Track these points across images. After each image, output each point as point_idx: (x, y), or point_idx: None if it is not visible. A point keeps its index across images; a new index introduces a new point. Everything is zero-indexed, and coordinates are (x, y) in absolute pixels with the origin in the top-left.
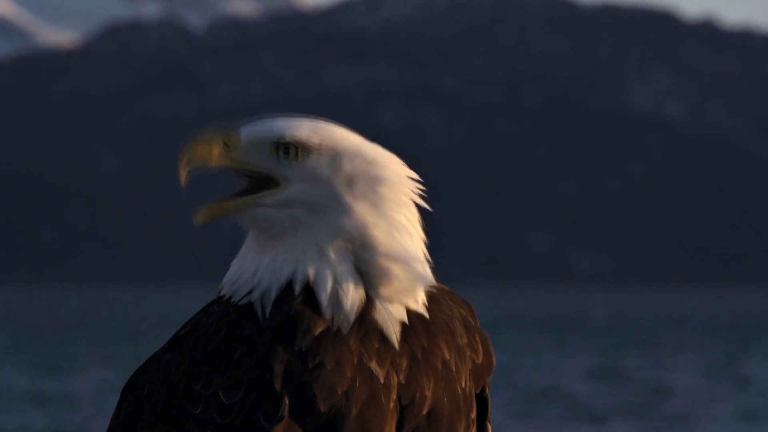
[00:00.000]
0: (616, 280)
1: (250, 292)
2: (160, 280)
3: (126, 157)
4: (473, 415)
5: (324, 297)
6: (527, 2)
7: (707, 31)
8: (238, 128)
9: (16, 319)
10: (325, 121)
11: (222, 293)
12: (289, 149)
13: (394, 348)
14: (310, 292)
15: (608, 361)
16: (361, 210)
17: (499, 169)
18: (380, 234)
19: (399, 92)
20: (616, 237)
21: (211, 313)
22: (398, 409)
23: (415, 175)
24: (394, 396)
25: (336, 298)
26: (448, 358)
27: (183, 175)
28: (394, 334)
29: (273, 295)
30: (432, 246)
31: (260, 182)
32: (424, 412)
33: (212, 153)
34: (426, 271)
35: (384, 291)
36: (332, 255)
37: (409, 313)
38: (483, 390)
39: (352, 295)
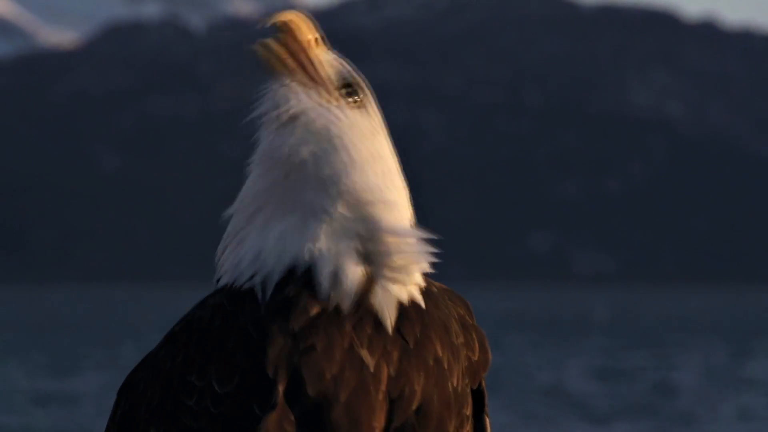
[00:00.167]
0: (616, 281)
1: (252, 277)
2: (161, 280)
3: (127, 156)
4: (468, 411)
5: (326, 279)
6: (528, 2)
7: (708, 32)
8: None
9: (17, 319)
10: None
11: (222, 280)
12: (352, 92)
13: (386, 336)
14: (311, 273)
15: (612, 361)
16: (376, 181)
17: (499, 169)
18: (387, 209)
19: (399, 92)
20: (617, 237)
21: (205, 306)
22: (387, 402)
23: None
24: (383, 388)
25: (338, 280)
26: (440, 354)
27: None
28: (389, 319)
29: (276, 278)
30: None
31: None
32: (414, 407)
33: (309, 33)
34: (428, 248)
35: (388, 270)
36: (337, 232)
37: (406, 302)
38: (479, 385)
39: (355, 276)
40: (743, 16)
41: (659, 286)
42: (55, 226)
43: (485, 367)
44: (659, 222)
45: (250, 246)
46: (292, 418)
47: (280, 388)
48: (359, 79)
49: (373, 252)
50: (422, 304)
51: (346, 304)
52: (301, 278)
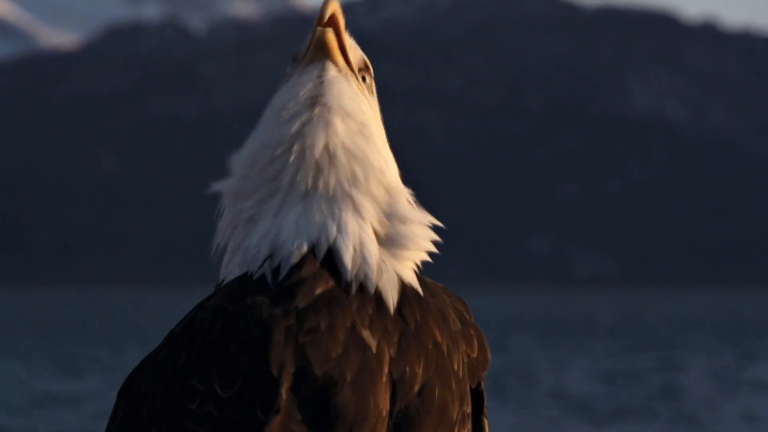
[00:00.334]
0: (617, 282)
1: (268, 258)
2: (162, 282)
3: (127, 157)
4: (468, 408)
5: (350, 260)
6: (528, 4)
7: (708, 33)
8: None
9: (18, 322)
10: None
11: (230, 262)
12: (364, 76)
13: (387, 317)
14: (333, 254)
15: (615, 363)
16: (389, 166)
17: (500, 169)
18: (398, 193)
19: (400, 93)
20: (617, 238)
21: (205, 309)
22: (390, 384)
23: None
24: (386, 369)
25: (361, 262)
26: (439, 339)
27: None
28: (391, 300)
29: (294, 259)
30: (433, 252)
31: None
32: (416, 389)
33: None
34: (431, 234)
35: (395, 253)
36: (359, 215)
37: (406, 286)
38: (478, 385)
39: (375, 258)
40: (743, 17)
41: (660, 287)
42: (55, 227)
43: (484, 366)
44: (660, 223)
45: (269, 226)
46: (299, 418)
47: (284, 391)
48: (370, 63)
49: (384, 234)
50: (420, 291)
51: (369, 286)
52: (320, 260)
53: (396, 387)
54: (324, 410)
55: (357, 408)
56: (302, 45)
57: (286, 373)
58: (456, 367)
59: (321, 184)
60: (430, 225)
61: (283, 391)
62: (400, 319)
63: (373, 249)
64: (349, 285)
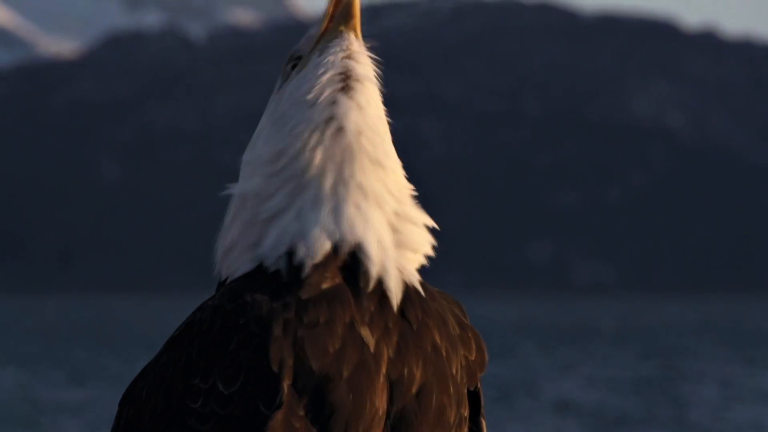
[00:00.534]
0: (617, 290)
1: (290, 254)
2: (162, 290)
3: (127, 165)
4: (465, 412)
5: (375, 257)
6: (528, 12)
7: (708, 41)
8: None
9: (18, 329)
10: None
11: (242, 257)
12: None
13: (389, 316)
14: (357, 252)
15: (619, 371)
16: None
17: (499, 177)
18: (407, 192)
19: (399, 100)
20: (617, 246)
21: (204, 309)
22: (388, 384)
23: None
24: (383, 369)
25: (382, 259)
26: (438, 343)
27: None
28: (395, 299)
29: (318, 257)
30: (431, 256)
31: None
32: (413, 391)
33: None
34: (430, 237)
35: (402, 252)
36: (379, 212)
37: (409, 287)
38: (475, 386)
39: (392, 256)
40: (743, 25)
41: (660, 295)
42: (55, 234)
43: (482, 368)
44: (660, 231)
45: (293, 223)
46: (300, 413)
47: (285, 386)
48: None
49: (395, 234)
50: (422, 292)
51: (381, 285)
52: (343, 257)
53: (393, 388)
54: (320, 406)
55: (353, 406)
56: (304, 40)
57: (286, 368)
58: (454, 371)
59: (349, 173)
60: (430, 226)
61: (285, 386)
62: (401, 319)
63: (391, 249)
64: (367, 283)
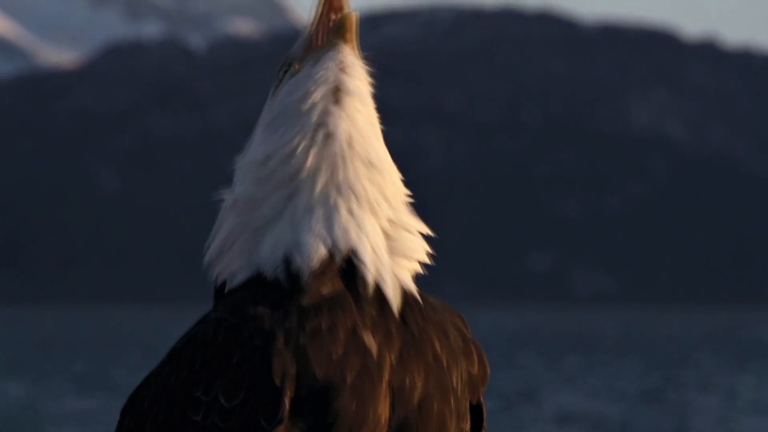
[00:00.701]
0: (617, 301)
1: (284, 262)
2: (161, 299)
3: (126, 176)
4: (467, 426)
5: (370, 264)
6: (528, 22)
7: (708, 51)
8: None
9: (17, 339)
10: None
11: (239, 267)
12: None
13: (390, 321)
14: (352, 258)
15: (621, 381)
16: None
17: (499, 187)
18: (403, 200)
19: (400, 111)
20: (618, 256)
21: (207, 322)
22: (390, 393)
23: None
24: (386, 377)
25: (377, 265)
26: (439, 353)
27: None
28: (395, 304)
29: (315, 265)
30: (430, 266)
31: None
32: (415, 400)
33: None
34: (425, 245)
35: (400, 260)
36: (374, 217)
37: (408, 294)
38: (478, 400)
39: (387, 262)
40: (743, 35)
41: (660, 305)
42: (54, 244)
43: (484, 382)
44: (660, 241)
45: (287, 229)
46: (301, 425)
47: (287, 400)
48: None
49: (389, 241)
50: (420, 301)
51: (378, 291)
52: (339, 264)
53: (395, 396)
54: (324, 413)
55: (356, 413)
56: (296, 45)
57: (288, 382)
58: (455, 384)
59: (341, 178)
60: (426, 234)
61: (287, 400)
62: (402, 324)
63: (385, 255)
64: (365, 289)
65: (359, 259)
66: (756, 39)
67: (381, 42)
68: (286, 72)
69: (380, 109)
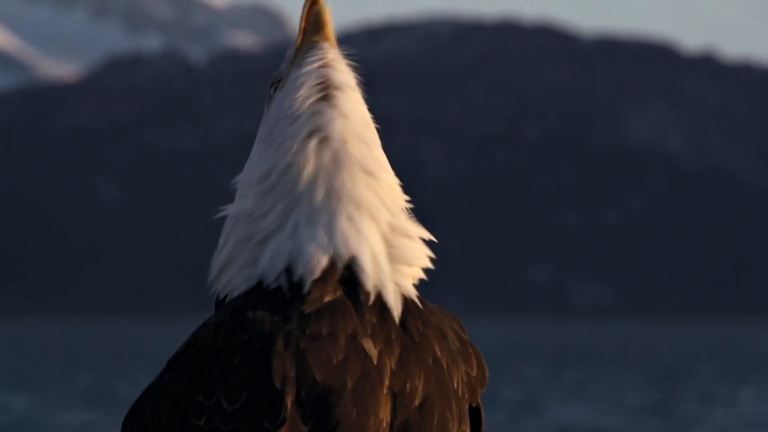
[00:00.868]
0: (616, 312)
1: (286, 271)
2: (162, 311)
3: (126, 188)
4: (467, 428)
5: (370, 271)
6: (528, 35)
7: (707, 64)
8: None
9: (16, 352)
10: None
11: (238, 275)
12: None
13: (390, 327)
14: (352, 265)
15: (623, 394)
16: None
17: (499, 200)
18: (402, 205)
19: (400, 123)
20: (617, 268)
21: (206, 327)
22: (391, 397)
23: None
24: (386, 382)
25: (378, 272)
26: (439, 355)
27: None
28: (396, 311)
29: (317, 273)
30: (431, 278)
31: None
32: (416, 404)
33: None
34: (427, 250)
35: (400, 266)
36: (373, 224)
37: (408, 300)
38: (476, 402)
39: (387, 268)
40: (742, 48)
41: (658, 317)
42: (55, 257)
43: (483, 384)
44: (658, 253)
45: (288, 239)
46: (304, 429)
47: (289, 401)
48: None
49: (389, 247)
50: (420, 306)
51: (379, 298)
52: (339, 272)
53: (396, 400)
54: (325, 418)
55: (357, 418)
56: (284, 63)
57: (289, 383)
58: (456, 386)
59: (339, 185)
60: (427, 239)
61: (288, 402)
62: (402, 330)
63: (385, 262)
64: (366, 296)
65: (360, 267)
66: (755, 52)
67: (381, 55)
68: (276, 89)
69: (380, 120)
